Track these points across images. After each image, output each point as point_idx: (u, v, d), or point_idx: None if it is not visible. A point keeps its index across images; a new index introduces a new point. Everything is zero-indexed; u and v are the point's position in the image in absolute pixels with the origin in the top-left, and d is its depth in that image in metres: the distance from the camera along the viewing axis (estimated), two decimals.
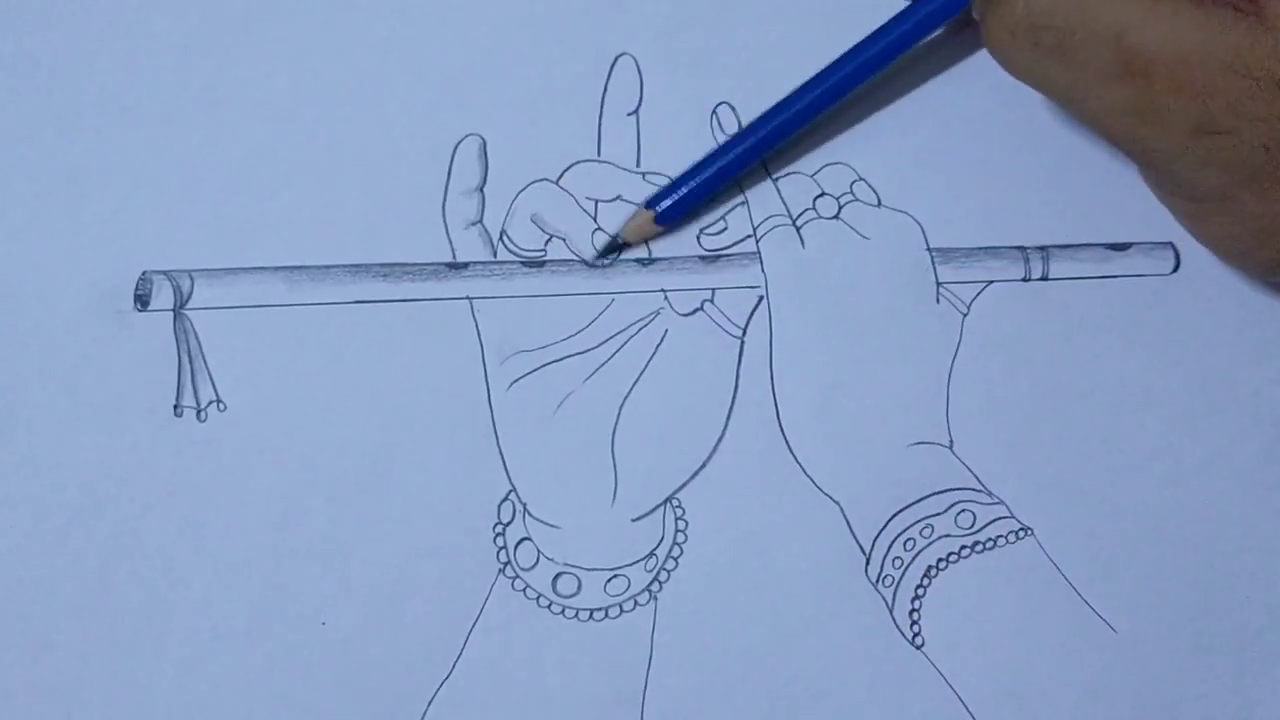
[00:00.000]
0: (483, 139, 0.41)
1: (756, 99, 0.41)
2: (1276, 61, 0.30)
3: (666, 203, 0.40)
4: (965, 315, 0.41)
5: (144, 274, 0.40)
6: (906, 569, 0.39)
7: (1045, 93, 0.35)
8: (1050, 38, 0.32)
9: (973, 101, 0.42)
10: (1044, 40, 0.33)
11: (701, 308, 0.41)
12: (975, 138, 0.42)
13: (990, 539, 0.39)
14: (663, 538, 0.40)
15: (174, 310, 0.40)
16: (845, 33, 0.40)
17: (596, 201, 0.41)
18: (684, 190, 0.40)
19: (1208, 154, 0.32)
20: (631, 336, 0.41)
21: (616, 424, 0.40)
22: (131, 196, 0.41)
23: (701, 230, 0.41)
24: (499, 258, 0.41)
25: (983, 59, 0.41)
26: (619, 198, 0.41)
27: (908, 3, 0.39)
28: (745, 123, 0.41)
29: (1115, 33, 0.31)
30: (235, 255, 0.41)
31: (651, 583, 0.40)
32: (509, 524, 0.40)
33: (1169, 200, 0.35)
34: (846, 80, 0.39)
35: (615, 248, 0.41)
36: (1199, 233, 0.35)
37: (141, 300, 0.40)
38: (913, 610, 0.39)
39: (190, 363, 0.40)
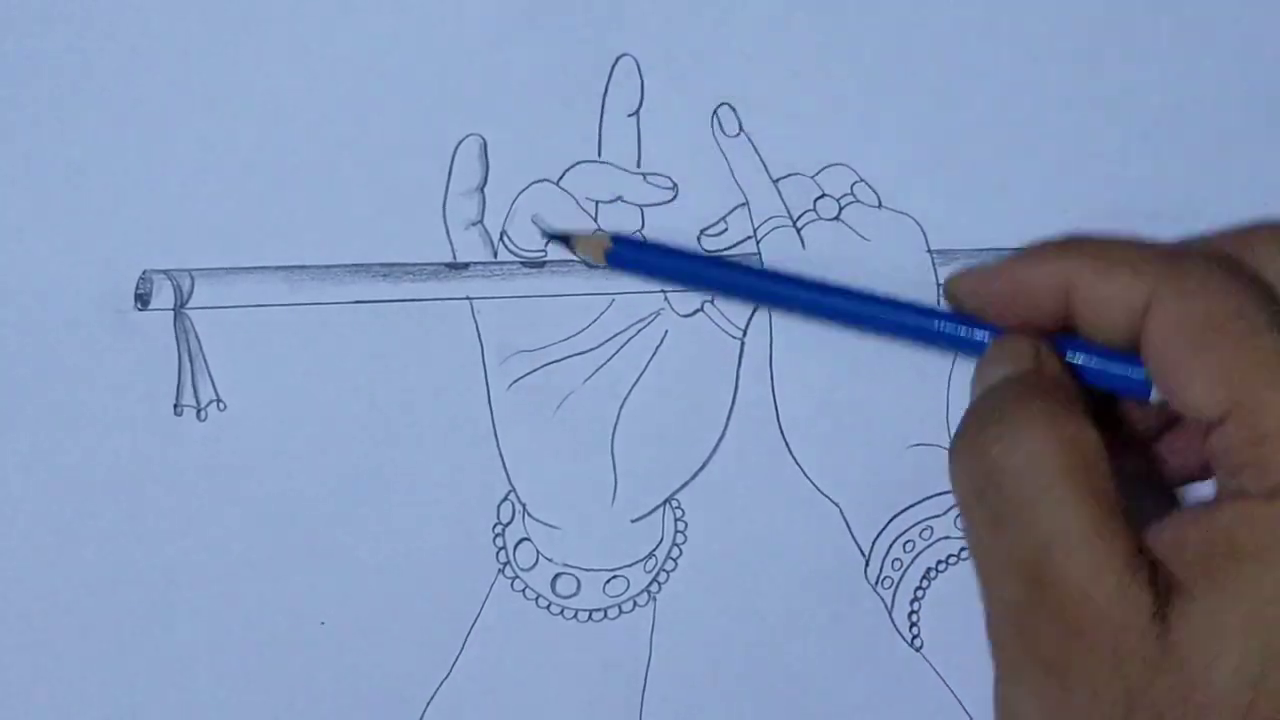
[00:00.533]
0: (483, 139, 0.41)
1: (757, 99, 0.41)
2: (1164, 670, 0.28)
3: (624, 249, 0.40)
4: None
5: (144, 273, 0.40)
6: (906, 571, 0.39)
7: (962, 520, 0.33)
8: (995, 500, 0.31)
9: (973, 102, 0.42)
10: (989, 496, 0.31)
11: (702, 309, 0.41)
12: (975, 138, 0.42)
13: None
14: (662, 539, 0.40)
15: (174, 309, 0.40)
16: (844, 33, 0.40)
17: (597, 203, 0.41)
18: (646, 252, 0.40)
19: (1043, 691, 0.30)
20: (631, 337, 0.41)
21: (616, 425, 0.40)
22: (131, 196, 0.41)
23: (702, 231, 0.41)
24: (499, 258, 0.41)
25: (983, 60, 0.41)
26: (619, 199, 0.41)
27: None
28: (744, 123, 0.41)
29: (1045, 541, 0.30)
30: (236, 254, 0.41)
31: (651, 583, 0.40)
32: (508, 524, 0.40)
33: (996, 708, 0.32)
34: (847, 313, 0.38)
35: (557, 238, 0.40)
36: None
37: (142, 300, 0.40)
38: (912, 612, 0.39)
39: (190, 362, 0.40)
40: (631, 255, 0.40)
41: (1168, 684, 0.28)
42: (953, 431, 0.40)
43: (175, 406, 0.40)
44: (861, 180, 0.41)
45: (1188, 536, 0.30)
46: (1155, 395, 0.33)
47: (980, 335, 0.35)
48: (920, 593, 0.39)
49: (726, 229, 0.41)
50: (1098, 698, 0.29)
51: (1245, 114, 0.42)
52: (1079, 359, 0.34)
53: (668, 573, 0.40)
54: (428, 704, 0.39)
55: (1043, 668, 0.30)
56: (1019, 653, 0.30)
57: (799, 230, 0.41)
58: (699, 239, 0.41)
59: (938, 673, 0.39)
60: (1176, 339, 0.31)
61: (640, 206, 0.41)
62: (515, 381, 0.40)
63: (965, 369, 0.40)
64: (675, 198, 0.41)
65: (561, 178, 0.41)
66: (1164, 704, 0.28)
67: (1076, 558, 0.29)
